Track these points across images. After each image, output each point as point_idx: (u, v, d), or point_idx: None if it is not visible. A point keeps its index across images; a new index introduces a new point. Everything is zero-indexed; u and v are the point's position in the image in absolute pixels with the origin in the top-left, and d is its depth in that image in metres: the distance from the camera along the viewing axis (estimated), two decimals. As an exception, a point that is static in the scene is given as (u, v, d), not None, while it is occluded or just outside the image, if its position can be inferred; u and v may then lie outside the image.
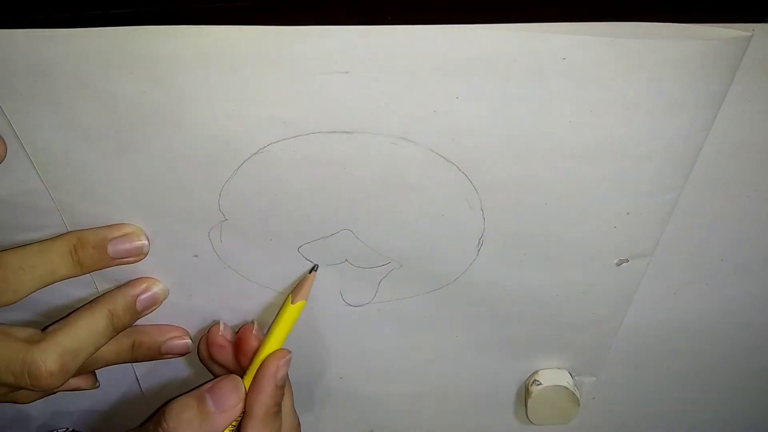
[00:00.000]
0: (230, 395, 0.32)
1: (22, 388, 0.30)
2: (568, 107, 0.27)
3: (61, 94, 0.26)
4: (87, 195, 0.30)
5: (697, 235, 0.34)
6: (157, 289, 0.33)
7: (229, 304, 0.35)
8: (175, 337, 0.36)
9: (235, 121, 0.27)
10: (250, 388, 0.32)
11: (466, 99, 0.26)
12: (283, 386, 0.33)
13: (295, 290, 0.33)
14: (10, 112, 0.27)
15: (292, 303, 0.33)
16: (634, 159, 0.29)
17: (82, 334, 0.31)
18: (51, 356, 0.29)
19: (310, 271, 0.33)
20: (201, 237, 0.32)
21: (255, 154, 0.28)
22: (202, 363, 0.36)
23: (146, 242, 0.31)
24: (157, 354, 0.35)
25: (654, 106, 0.27)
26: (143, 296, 0.33)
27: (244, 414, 0.32)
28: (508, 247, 0.32)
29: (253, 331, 0.34)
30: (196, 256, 0.32)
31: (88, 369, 0.34)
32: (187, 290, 0.34)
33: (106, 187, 0.30)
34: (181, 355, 0.36)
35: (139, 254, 0.31)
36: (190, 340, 0.36)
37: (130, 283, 0.33)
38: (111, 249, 0.31)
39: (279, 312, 0.34)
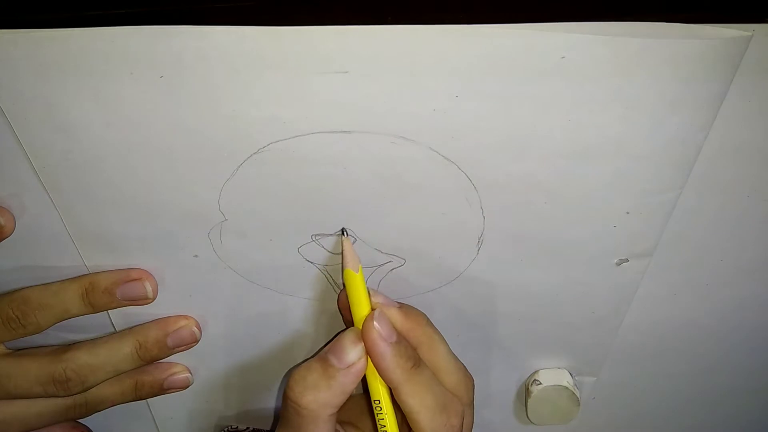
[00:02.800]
0: (351, 349, 0.30)
1: (51, 395, 0.33)
2: (567, 106, 0.27)
3: (61, 94, 0.26)
4: (86, 196, 0.30)
5: (697, 235, 0.34)
6: (189, 331, 0.35)
7: (229, 304, 0.35)
8: (176, 372, 0.37)
9: (235, 121, 0.27)
10: (372, 367, 0.30)
11: (465, 98, 0.26)
12: (399, 341, 0.30)
13: (347, 262, 0.32)
14: (9, 113, 0.27)
15: (356, 272, 0.31)
16: (633, 158, 0.29)
17: (102, 354, 0.33)
18: (70, 365, 0.33)
19: (343, 234, 0.32)
20: (201, 237, 0.32)
21: (255, 153, 0.28)
22: None
23: (151, 288, 0.33)
24: (160, 390, 0.37)
25: (653, 106, 0.27)
26: (175, 334, 0.35)
27: (391, 388, 0.30)
28: (508, 246, 0.32)
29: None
30: (196, 256, 0.33)
31: (95, 410, 0.36)
32: (187, 290, 0.34)
33: (105, 188, 0.30)
34: (183, 388, 0.37)
35: (145, 299, 0.33)
36: (189, 374, 0.37)
37: (166, 319, 0.35)
38: (119, 293, 0.33)
39: (347, 286, 0.32)
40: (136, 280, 0.33)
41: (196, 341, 0.35)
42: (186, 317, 0.35)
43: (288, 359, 0.38)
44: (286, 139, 0.28)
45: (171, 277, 0.34)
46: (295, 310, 0.35)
